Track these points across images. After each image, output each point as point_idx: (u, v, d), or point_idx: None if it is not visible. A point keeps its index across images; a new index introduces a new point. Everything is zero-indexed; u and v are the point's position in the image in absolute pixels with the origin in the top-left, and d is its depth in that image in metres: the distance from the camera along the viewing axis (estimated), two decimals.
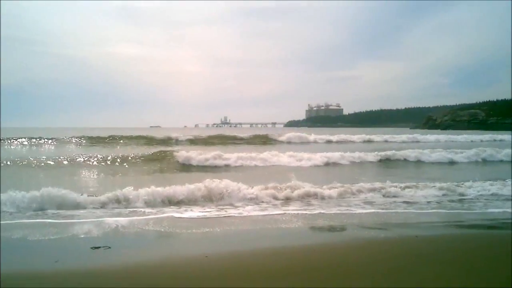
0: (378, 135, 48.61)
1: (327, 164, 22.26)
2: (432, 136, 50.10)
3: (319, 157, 22.54)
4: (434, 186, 13.28)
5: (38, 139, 34.32)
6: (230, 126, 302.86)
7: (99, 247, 6.60)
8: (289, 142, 41.19)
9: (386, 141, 45.85)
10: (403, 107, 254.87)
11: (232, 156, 21.92)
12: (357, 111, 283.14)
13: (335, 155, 23.23)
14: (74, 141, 34.81)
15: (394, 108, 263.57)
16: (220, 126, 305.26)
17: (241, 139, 41.56)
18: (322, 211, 9.99)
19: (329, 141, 43.63)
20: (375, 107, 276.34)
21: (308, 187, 12.34)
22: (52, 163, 19.14)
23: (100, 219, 8.96)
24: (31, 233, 7.89)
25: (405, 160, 24.65)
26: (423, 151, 25.82)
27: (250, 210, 10.07)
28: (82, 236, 7.69)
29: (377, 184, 13.13)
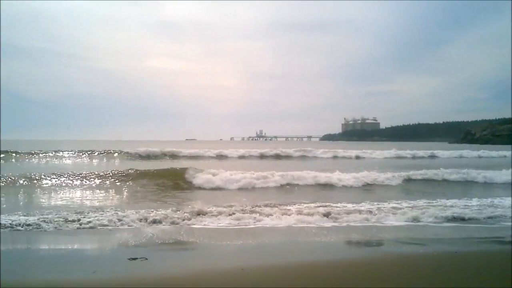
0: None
1: None
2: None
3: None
4: None
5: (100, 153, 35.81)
6: (266, 140, 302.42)
7: (136, 258, 6.66)
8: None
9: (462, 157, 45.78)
10: (441, 121, 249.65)
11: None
12: (394, 125, 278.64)
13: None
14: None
15: (432, 122, 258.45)
16: (255, 140, 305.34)
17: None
18: (354, 224, 9.95)
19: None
20: (412, 121, 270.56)
21: None
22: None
23: (137, 228, 9.11)
24: (71, 242, 8.08)
25: None
26: None
27: (285, 221, 10.01)
28: (120, 247, 7.81)
29: None
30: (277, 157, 40.69)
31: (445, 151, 49.02)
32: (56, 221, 9.57)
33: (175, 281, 5.59)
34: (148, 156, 35.50)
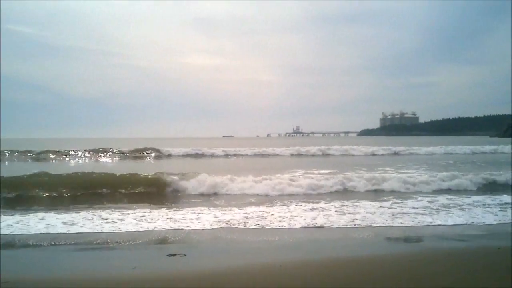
0: None
1: None
2: None
3: None
4: None
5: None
6: (302, 136, 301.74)
7: (175, 255, 6.74)
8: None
9: None
10: (482, 115, 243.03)
11: None
12: (433, 119, 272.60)
13: None
14: None
15: (473, 115, 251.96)
16: (292, 136, 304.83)
17: None
18: (397, 224, 9.71)
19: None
20: (452, 114, 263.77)
21: None
22: None
23: (175, 227, 9.21)
24: (112, 240, 8.23)
25: None
26: None
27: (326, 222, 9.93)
28: (159, 243, 7.96)
29: None
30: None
31: None
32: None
33: (213, 277, 5.59)
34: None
